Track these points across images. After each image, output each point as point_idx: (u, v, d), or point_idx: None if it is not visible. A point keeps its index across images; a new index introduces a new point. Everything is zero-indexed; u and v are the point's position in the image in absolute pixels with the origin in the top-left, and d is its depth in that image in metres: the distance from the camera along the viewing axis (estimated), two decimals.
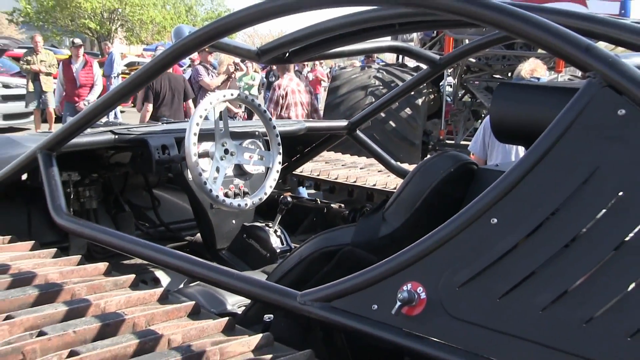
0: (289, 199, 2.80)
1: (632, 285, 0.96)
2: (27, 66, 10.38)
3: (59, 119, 9.94)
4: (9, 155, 2.28)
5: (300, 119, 5.03)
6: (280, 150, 2.70)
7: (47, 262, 1.72)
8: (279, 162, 2.70)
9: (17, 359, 1.18)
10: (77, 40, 9.56)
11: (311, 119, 6.01)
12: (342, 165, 3.88)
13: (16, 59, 12.35)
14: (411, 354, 1.19)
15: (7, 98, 11.04)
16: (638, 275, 0.96)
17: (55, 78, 9.98)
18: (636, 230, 0.97)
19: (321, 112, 7.39)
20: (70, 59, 9.28)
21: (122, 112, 11.72)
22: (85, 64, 9.15)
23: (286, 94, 6.28)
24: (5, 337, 1.25)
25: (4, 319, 1.32)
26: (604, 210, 1.00)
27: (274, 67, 11.68)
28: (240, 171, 2.82)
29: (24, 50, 11.30)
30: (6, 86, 11.33)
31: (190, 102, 7.11)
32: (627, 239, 0.98)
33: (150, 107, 6.79)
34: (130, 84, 1.84)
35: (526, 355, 1.03)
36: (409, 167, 3.25)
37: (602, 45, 1.20)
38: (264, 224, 2.79)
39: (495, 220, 1.09)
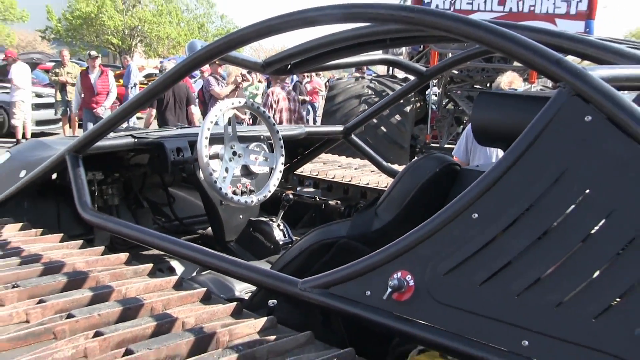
0: (291, 196, 2.81)
1: (597, 273, 0.97)
2: (55, 77, 10.34)
3: (80, 125, 9.90)
4: (41, 157, 2.28)
5: (300, 124, 5.03)
6: (283, 152, 2.70)
7: (74, 253, 1.72)
8: (282, 163, 2.70)
9: (48, 338, 1.19)
10: (93, 52, 9.47)
11: (310, 125, 6.02)
12: (339, 166, 3.88)
13: (47, 71, 12.31)
14: (401, 335, 1.20)
15: (39, 106, 11.03)
16: (602, 263, 0.97)
17: None
18: (600, 224, 0.98)
19: (319, 118, 7.37)
20: (87, 69, 9.22)
21: (139, 118, 11.66)
22: (101, 74, 9.08)
23: (278, 100, 6.32)
24: (38, 318, 1.26)
25: (37, 303, 1.32)
26: (572, 207, 1.01)
27: None
28: (246, 171, 2.82)
29: (54, 64, 11.28)
30: (39, 95, 11.32)
31: (192, 107, 7.04)
32: (592, 232, 0.98)
33: (153, 112, 6.74)
34: (148, 93, 1.84)
35: (503, 336, 1.03)
36: (399, 168, 3.25)
37: (570, 58, 1.20)
38: (268, 219, 2.79)
39: (476, 215, 1.09)
